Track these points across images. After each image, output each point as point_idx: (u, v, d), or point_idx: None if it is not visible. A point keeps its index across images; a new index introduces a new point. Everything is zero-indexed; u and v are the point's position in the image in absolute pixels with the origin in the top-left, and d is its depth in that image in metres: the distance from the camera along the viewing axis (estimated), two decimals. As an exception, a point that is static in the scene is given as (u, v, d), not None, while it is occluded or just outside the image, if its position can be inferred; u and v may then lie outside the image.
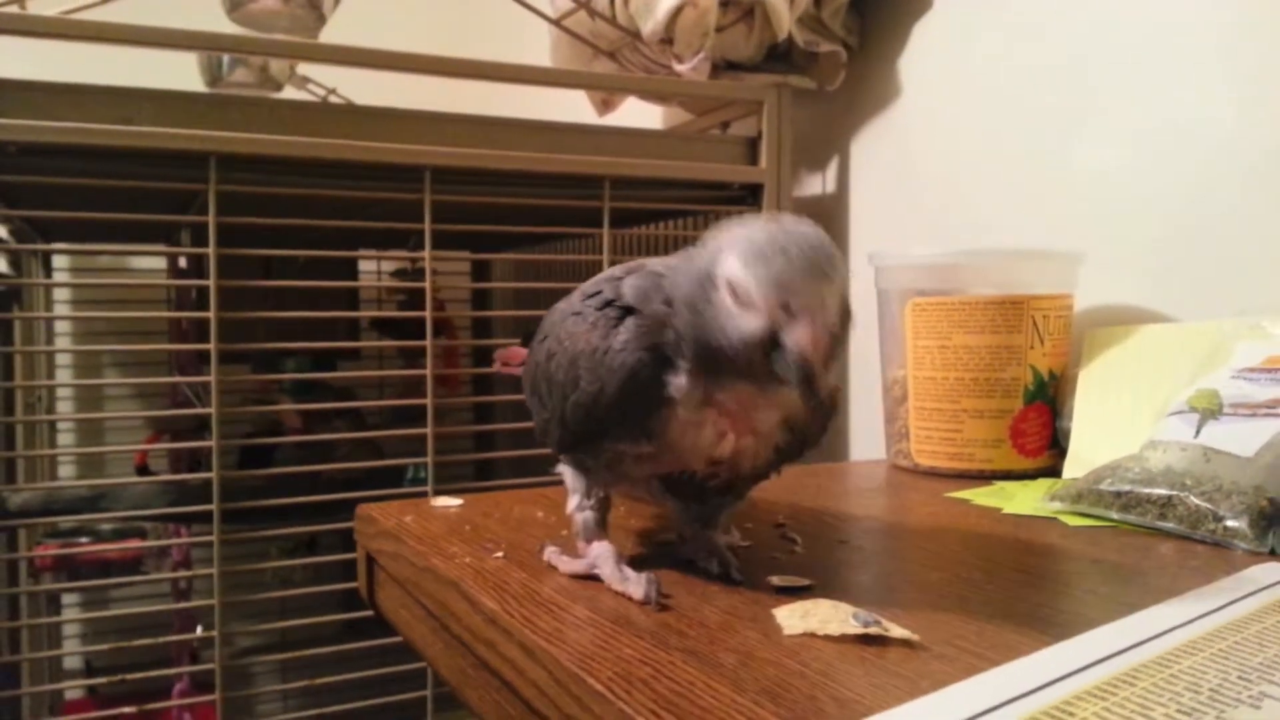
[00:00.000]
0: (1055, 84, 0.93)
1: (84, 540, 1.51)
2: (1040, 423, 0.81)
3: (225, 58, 1.56)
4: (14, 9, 0.91)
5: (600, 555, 0.51)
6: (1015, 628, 0.43)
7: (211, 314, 0.93)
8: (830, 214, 1.23)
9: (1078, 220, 0.91)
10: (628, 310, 0.49)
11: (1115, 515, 0.64)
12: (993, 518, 0.67)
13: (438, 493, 0.87)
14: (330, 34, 1.37)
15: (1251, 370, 0.68)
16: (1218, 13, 0.80)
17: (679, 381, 0.47)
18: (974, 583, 0.52)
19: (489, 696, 0.49)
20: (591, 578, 0.51)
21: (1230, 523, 0.58)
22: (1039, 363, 0.80)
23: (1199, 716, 0.29)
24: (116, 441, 1.70)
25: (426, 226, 0.99)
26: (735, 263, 0.43)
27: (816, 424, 0.51)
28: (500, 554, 0.57)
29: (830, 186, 1.24)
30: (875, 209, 1.18)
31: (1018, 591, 0.50)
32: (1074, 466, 0.75)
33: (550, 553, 0.54)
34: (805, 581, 0.50)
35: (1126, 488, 0.63)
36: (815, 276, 0.42)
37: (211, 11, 1.25)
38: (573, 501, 0.54)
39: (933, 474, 0.83)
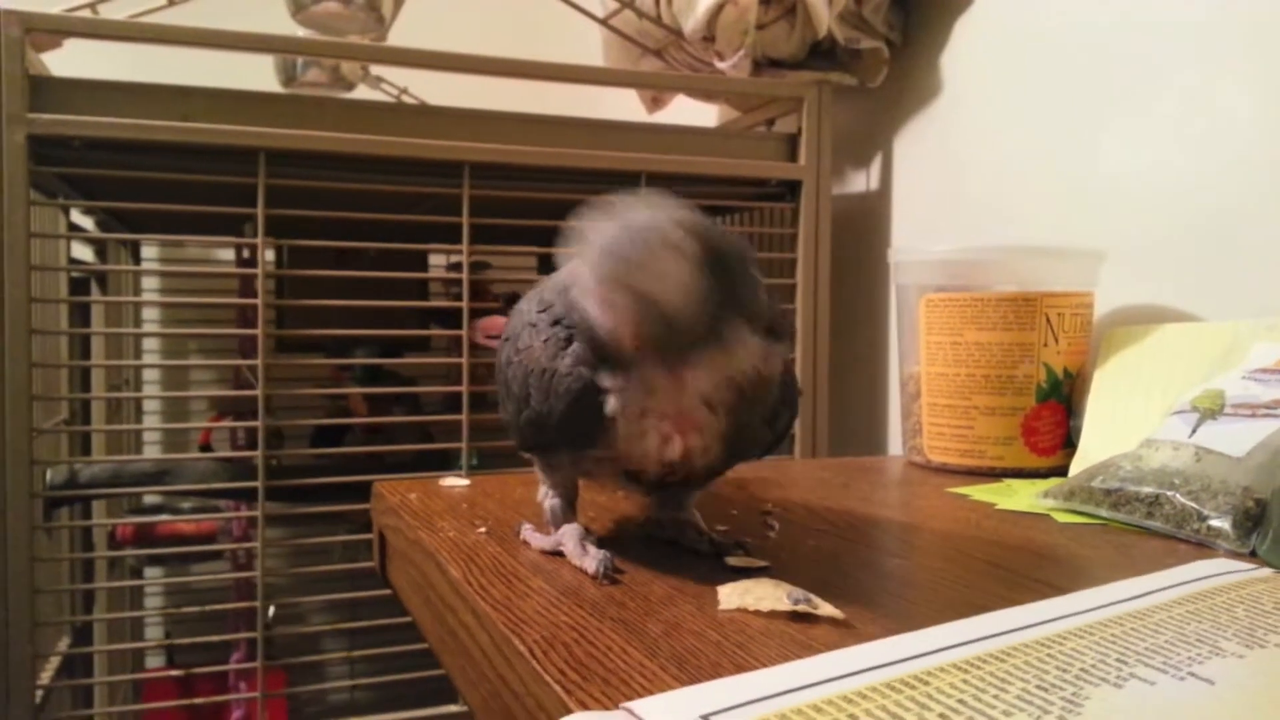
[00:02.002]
0: (1097, 81, 0.92)
1: (163, 516, 1.59)
2: (1053, 421, 0.80)
3: (299, 59, 1.63)
4: (86, 13, 0.98)
5: (566, 533, 0.53)
6: (952, 613, 0.43)
7: (259, 301, 0.98)
8: (872, 211, 1.23)
9: (1116, 218, 0.89)
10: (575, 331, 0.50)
11: (1105, 513, 0.63)
12: (983, 513, 0.67)
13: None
14: (395, 36, 1.42)
15: (1263, 371, 0.66)
16: (1248, 9, 0.78)
17: (611, 401, 0.48)
18: (934, 571, 0.52)
19: (456, 661, 0.51)
20: (559, 554, 0.53)
21: (1214, 522, 0.57)
22: (1053, 360, 0.79)
23: (1055, 692, 0.30)
24: (195, 421, 1.79)
25: (464, 220, 1.03)
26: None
27: (770, 405, 0.51)
28: (484, 530, 0.60)
29: (873, 183, 1.23)
30: (917, 206, 1.17)
31: (975, 581, 0.50)
32: (1080, 465, 0.75)
33: (526, 530, 0.57)
34: (761, 563, 0.51)
35: (1117, 485, 0.63)
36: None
37: (279, 13, 1.32)
38: (541, 490, 0.57)
39: (944, 470, 0.83)
